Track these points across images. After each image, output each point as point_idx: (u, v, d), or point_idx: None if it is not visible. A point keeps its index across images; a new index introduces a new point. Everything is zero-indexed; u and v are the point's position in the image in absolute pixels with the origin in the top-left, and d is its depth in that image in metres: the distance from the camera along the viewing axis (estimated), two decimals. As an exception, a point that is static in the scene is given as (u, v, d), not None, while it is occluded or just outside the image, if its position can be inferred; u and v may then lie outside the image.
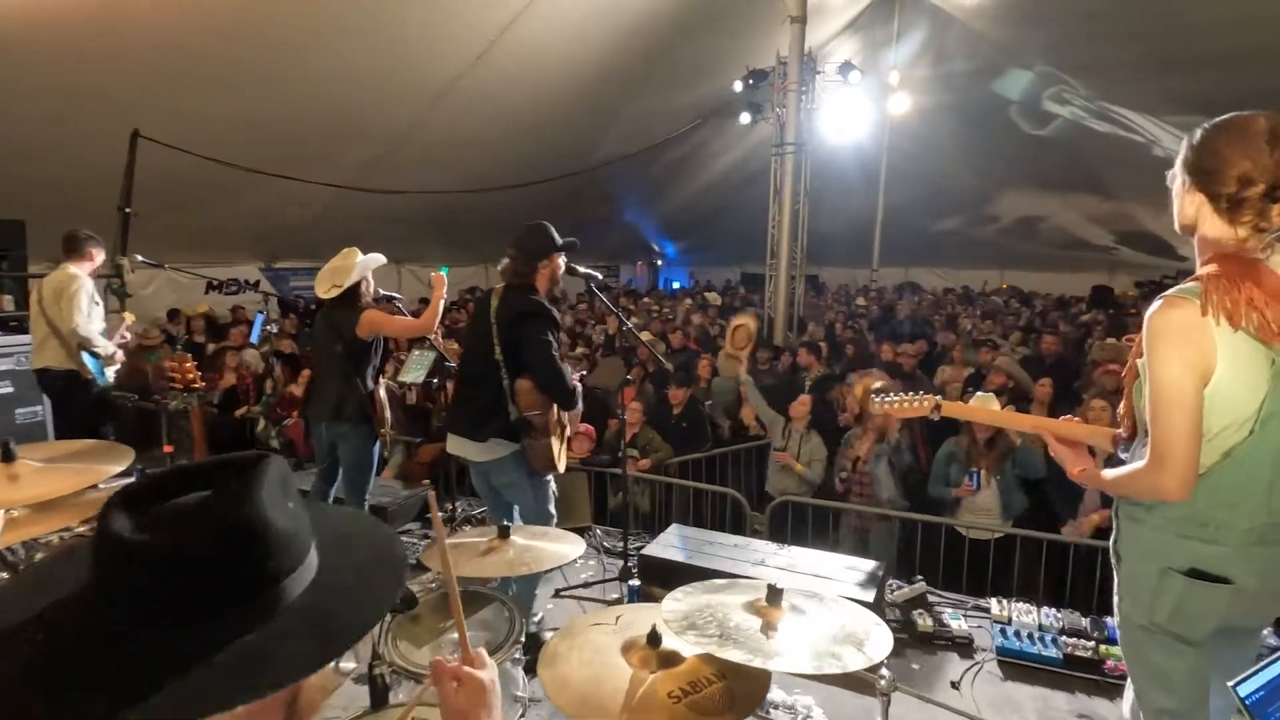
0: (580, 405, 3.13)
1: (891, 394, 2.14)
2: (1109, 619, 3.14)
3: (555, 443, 3.02)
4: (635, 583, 3.51)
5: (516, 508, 3.12)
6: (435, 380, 4.41)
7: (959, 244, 16.83)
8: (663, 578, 3.57)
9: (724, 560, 3.53)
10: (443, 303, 3.69)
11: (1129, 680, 1.82)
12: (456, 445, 3.03)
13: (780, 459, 4.93)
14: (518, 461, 2.98)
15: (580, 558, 3.13)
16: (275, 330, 5.64)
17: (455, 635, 1.86)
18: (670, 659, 1.61)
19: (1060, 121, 12.10)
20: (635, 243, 19.03)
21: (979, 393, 4.47)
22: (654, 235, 19.24)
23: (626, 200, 15.25)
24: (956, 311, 12.12)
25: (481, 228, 13.15)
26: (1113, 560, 1.77)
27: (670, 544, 3.74)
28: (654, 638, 1.63)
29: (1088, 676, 2.85)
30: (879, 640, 1.53)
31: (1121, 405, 1.78)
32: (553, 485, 3.19)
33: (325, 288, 3.55)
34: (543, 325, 2.92)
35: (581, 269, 3.32)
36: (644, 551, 3.64)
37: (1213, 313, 1.46)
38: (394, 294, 4.04)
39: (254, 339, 6.05)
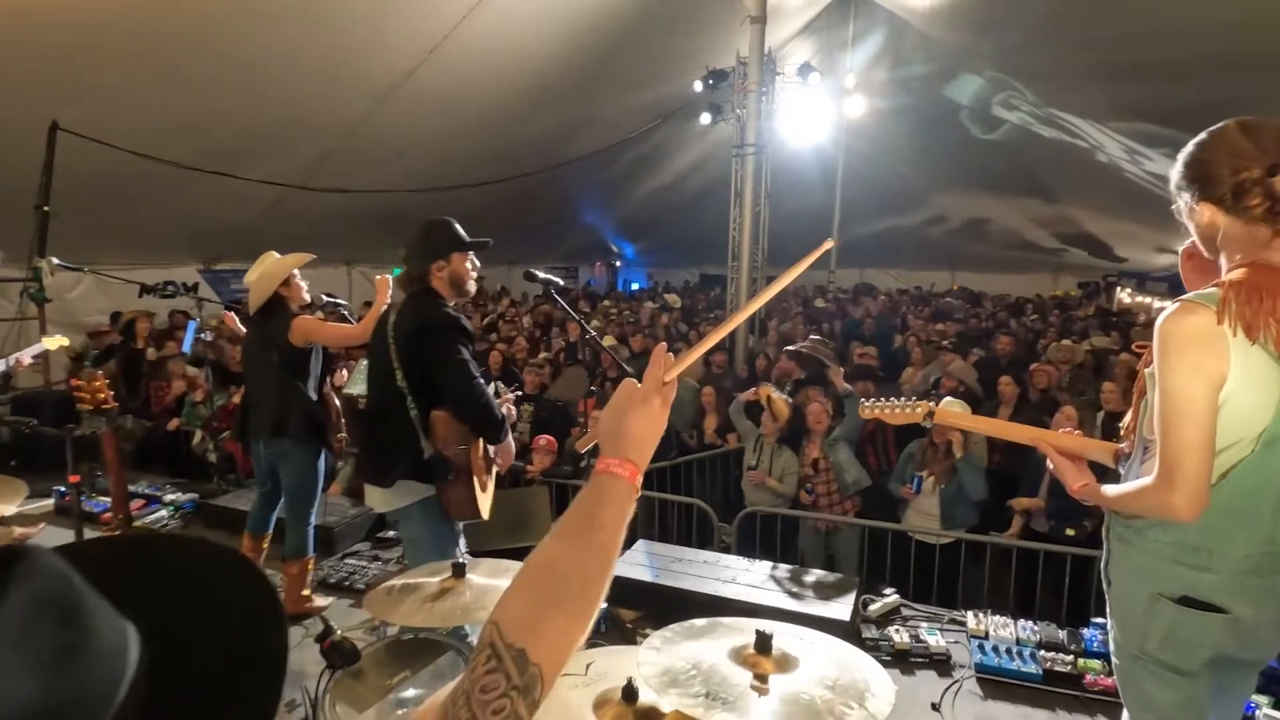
0: (510, 440, 2.65)
1: (882, 400, 2.03)
2: (1085, 630, 3.10)
3: (479, 486, 2.54)
4: (602, 605, 3.33)
5: None
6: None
7: (913, 245, 17.14)
8: (630, 599, 3.41)
9: (693, 579, 3.39)
10: (384, 308, 3.43)
11: (1124, 707, 1.74)
12: (369, 495, 2.61)
13: (755, 478, 4.80)
14: (425, 511, 2.52)
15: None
16: (211, 338, 5.26)
17: (406, 693, 1.68)
18: (649, 715, 1.44)
19: (1008, 126, 12.38)
20: (594, 243, 18.82)
21: (947, 397, 4.45)
22: (612, 236, 19.05)
23: (585, 201, 15.04)
24: (907, 314, 12.28)
25: (436, 228, 12.83)
26: (1104, 584, 1.69)
27: (637, 562, 3.57)
28: (630, 692, 1.46)
29: (1067, 693, 2.78)
30: (880, 691, 1.38)
31: (1127, 417, 1.69)
32: (463, 543, 2.70)
33: (252, 307, 3.32)
34: (450, 338, 2.41)
35: (541, 274, 3.13)
36: (610, 571, 3.46)
37: (1230, 321, 1.37)
38: (339, 299, 3.78)
39: (186, 349, 5.64)
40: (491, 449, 2.61)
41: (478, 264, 2.71)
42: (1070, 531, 4.18)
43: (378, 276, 3.49)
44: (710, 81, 8.78)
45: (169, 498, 4.74)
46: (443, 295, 2.56)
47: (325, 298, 3.79)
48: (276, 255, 3.40)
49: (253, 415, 3.36)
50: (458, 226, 2.61)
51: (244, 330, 3.71)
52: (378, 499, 2.57)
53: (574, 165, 10.97)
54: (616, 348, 7.31)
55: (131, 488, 4.61)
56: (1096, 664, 2.85)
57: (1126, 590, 1.59)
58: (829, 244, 0.93)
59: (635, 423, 0.96)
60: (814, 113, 8.88)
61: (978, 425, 2.24)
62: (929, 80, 11.41)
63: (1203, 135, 1.51)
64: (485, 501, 2.62)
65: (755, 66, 8.22)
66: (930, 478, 4.24)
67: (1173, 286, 12.73)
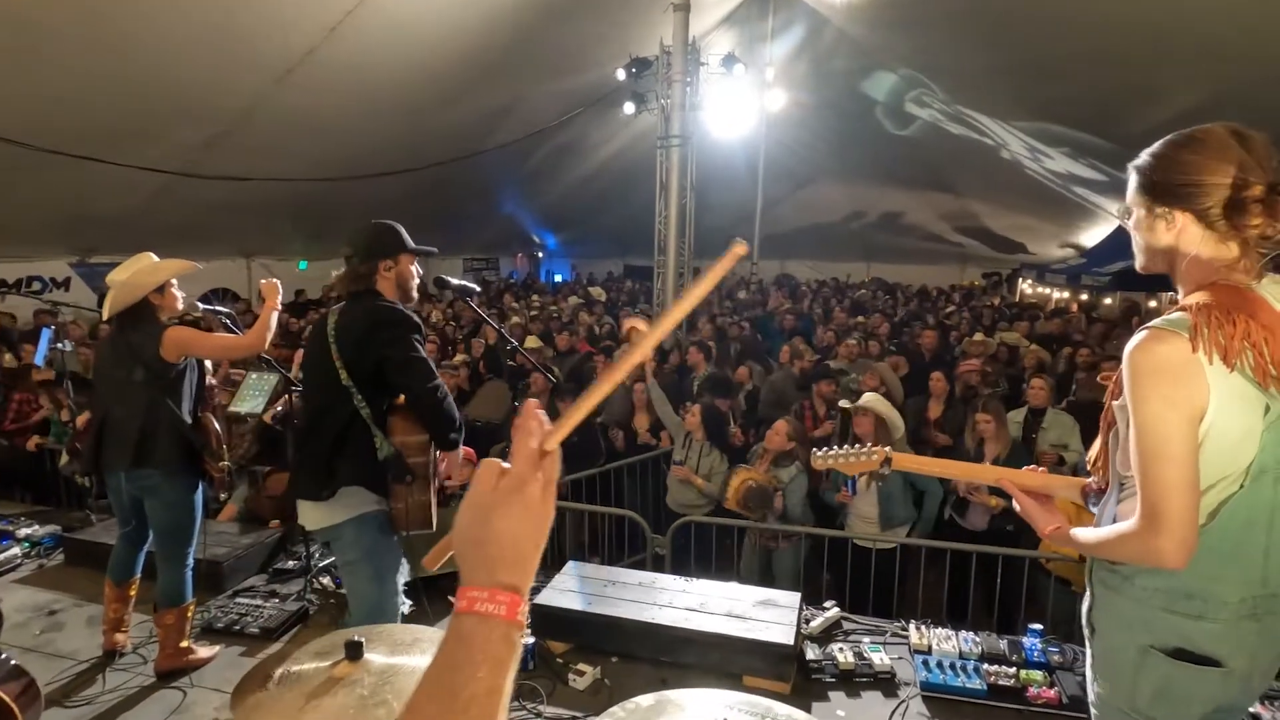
0: (460, 450, 2.53)
1: (834, 449, 1.86)
2: (1025, 640, 3.07)
3: (433, 493, 2.40)
4: (529, 639, 3.07)
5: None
6: (280, 408, 3.71)
7: (831, 238, 17.51)
8: (560, 630, 3.16)
9: (628, 604, 3.17)
10: (276, 315, 3.03)
11: None
12: (301, 513, 2.36)
13: (679, 474, 4.63)
14: (361, 528, 2.31)
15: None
16: (70, 347, 4.61)
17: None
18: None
19: (920, 123, 12.74)
20: (514, 234, 18.29)
21: (866, 394, 4.41)
22: (534, 226, 18.57)
23: (504, 191, 14.54)
24: (831, 306, 12.46)
25: (346, 219, 11.97)
26: (1085, 632, 1.54)
27: (566, 588, 3.32)
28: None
29: (1012, 707, 2.72)
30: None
31: (1094, 450, 1.56)
32: (405, 567, 2.55)
33: (108, 304, 2.84)
34: (407, 335, 2.31)
35: (455, 281, 2.79)
36: (538, 600, 3.19)
37: (1204, 348, 1.25)
38: (218, 307, 3.32)
39: (39, 360, 4.94)
40: (440, 455, 2.45)
41: (420, 270, 2.59)
42: (1010, 527, 4.19)
43: (263, 281, 3.07)
44: (634, 70, 8.53)
45: (23, 532, 4.12)
46: (386, 296, 2.42)
47: (201, 305, 3.31)
48: (154, 258, 2.93)
49: (109, 442, 2.87)
50: (404, 232, 2.51)
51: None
52: (312, 516, 2.32)
53: (493, 154, 10.51)
54: (541, 350, 6.98)
55: (-21, 521, 4.00)
56: (1038, 675, 2.81)
57: (1114, 641, 1.46)
58: (740, 249, 0.72)
59: (507, 524, 0.67)
60: (738, 105, 8.76)
61: (940, 469, 2.08)
62: (847, 75, 11.57)
63: (1183, 137, 1.36)
64: (435, 513, 2.43)
65: (679, 55, 8.03)
66: (863, 476, 4.16)
67: (1071, 278, 13.47)
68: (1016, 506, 1.63)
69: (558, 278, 20.36)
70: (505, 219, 16.32)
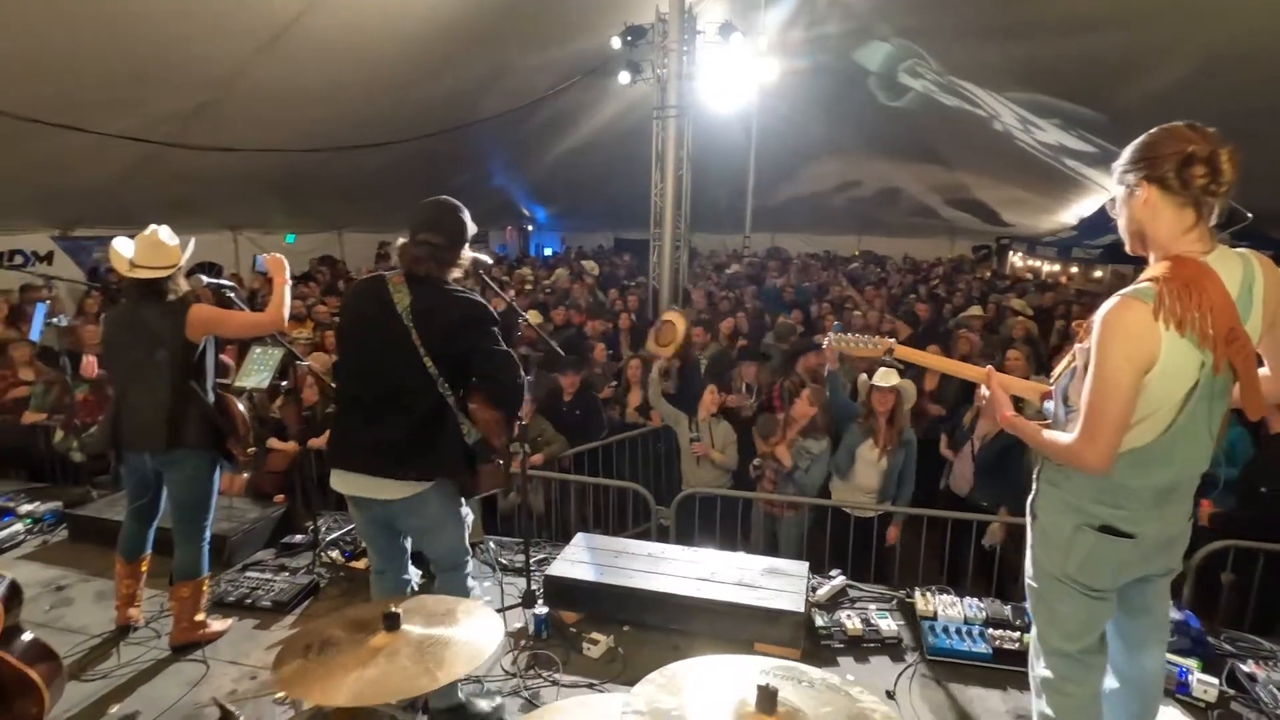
0: None
1: (847, 333, 2.29)
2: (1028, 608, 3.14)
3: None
4: (542, 609, 3.10)
5: (425, 552, 2.55)
6: (285, 383, 3.67)
7: (823, 210, 17.44)
8: (572, 600, 3.19)
9: (638, 575, 3.20)
10: (288, 288, 2.99)
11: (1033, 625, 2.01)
12: (357, 484, 2.33)
13: (698, 450, 4.64)
14: (444, 495, 2.38)
15: (474, 578, 2.68)
16: (65, 322, 4.52)
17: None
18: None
19: (913, 94, 12.64)
20: (504, 207, 18.05)
21: (881, 368, 4.43)
22: (524, 199, 18.34)
23: (495, 163, 14.31)
24: (825, 279, 12.47)
25: (333, 191, 11.80)
26: (1028, 518, 1.96)
27: (577, 559, 3.35)
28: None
29: (1018, 670, 2.78)
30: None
31: (1058, 369, 1.94)
32: (469, 521, 2.63)
33: (126, 265, 2.76)
34: (491, 325, 2.35)
35: (470, 253, 2.75)
36: (549, 572, 3.22)
37: (1164, 318, 1.59)
38: (224, 281, 3.26)
39: (34, 335, 4.84)
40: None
41: None
42: (984, 504, 4.27)
43: (265, 256, 3.02)
44: (629, 38, 8.36)
45: (24, 509, 4.09)
46: (450, 281, 2.40)
47: (205, 279, 3.25)
48: (168, 231, 2.87)
49: (131, 422, 2.82)
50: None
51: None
52: (391, 488, 2.31)
53: (483, 125, 10.32)
54: (543, 325, 6.96)
55: (-24, 498, 3.95)
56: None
57: (1052, 522, 1.87)
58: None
59: None
60: (734, 74, 8.63)
61: (933, 362, 2.47)
62: (841, 40, 11.39)
63: (1152, 130, 1.70)
64: None
65: (675, 24, 7.88)
66: (876, 448, 4.20)
67: (1061, 251, 13.53)
68: (984, 393, 2.07)
69: (547, 251, 20.18)
70: (495, 192, 16.09)
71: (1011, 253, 16.67)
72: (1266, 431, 3.75)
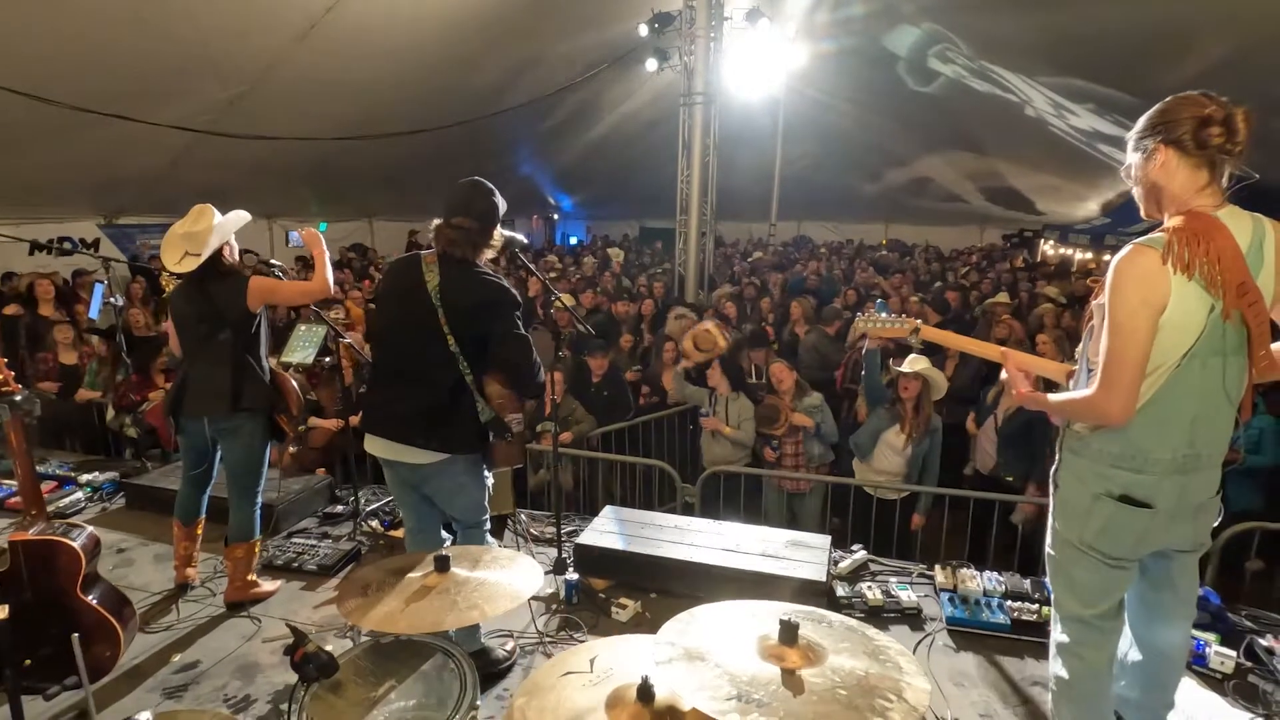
0: None
1: (873, 315, 2.37)
2: (1047, 579, 3.20)
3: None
4: (573, 576, 3.24)
5: (450, 510, 2.69)
6: (328, 359, 3.84)
7: (850, 198, 17.28)
8: (601, 568, 3.32)
9: (665, 545, 3.32)
10: (327, 256, 3.15)
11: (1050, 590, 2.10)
12: (385, 448, 2.49)
13: (708, 425, 4.76)
14: (468, 461, 2.53)
15: (504, 545, 2.83)
16: (121, 302, 4.75)
17: (393, 704, 1.51)
18: (667, 715, 1.34)
19: (943, 79, 12.46)
20: (530, 196, 18.20)
21: (911, 355, 4.48)
22: (550, 188, 18.46)
23: (521, 151, 14.44)
24: (853, 268, 12.41)
25: (363, 180, 12.04)
26: (1051, 487, 2.01)
27: (606, 529, 3.48)
28: (646, 691, 1.35)
29: (1035, 640, 2.86)
30: (913, 680, 1.32)
31: (1081, 346, 1.96)
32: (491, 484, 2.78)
33: (175, 257, 2.92)
34: (513, 310, 2.45)
35: (505, 233, 2.88)
36: (580, 540, 3.35)
37: (1173, 262, 1.66)
38: (272, 260, 3.43)
39: (93, 314, 5.10)
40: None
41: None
42: (1010, 478, 4.34)
43: (305, 231, 3.18)
44: (656, 25, 8.41)
45: (85, 478, 4.33)
46: (481, 263, 2.50)
47: (258, 258, 3.43)
48: (214, 210, 3.04)
49: (196, 392, 3.01)
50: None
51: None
52: (419, 455, 2.45)
53: (512, 113, 10.44)
54: (576, 308, 7.09)
55: (40, 468, 4.19)
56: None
57: (1073, 490, 1.91)
58: None
59: None
60: (762, 60, 8.64)
61: (958, 343, 2.48)
62: (868, 22, 11.26)
63: (1167, 99, 1.77)
64: None
65: (703, 10, 7.91)
66: (902, 434, 4.26)
67: (1094, 239, 13.31)
68: (1004, 376, 2.13)
69: (573, 240, 20.31)
70: (522, 180, 16.23)
71: (1044, 240, 16.40)
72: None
